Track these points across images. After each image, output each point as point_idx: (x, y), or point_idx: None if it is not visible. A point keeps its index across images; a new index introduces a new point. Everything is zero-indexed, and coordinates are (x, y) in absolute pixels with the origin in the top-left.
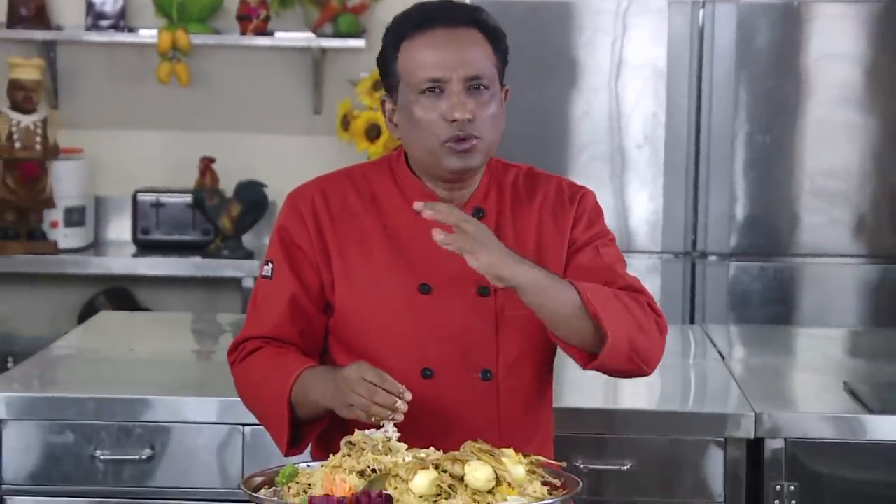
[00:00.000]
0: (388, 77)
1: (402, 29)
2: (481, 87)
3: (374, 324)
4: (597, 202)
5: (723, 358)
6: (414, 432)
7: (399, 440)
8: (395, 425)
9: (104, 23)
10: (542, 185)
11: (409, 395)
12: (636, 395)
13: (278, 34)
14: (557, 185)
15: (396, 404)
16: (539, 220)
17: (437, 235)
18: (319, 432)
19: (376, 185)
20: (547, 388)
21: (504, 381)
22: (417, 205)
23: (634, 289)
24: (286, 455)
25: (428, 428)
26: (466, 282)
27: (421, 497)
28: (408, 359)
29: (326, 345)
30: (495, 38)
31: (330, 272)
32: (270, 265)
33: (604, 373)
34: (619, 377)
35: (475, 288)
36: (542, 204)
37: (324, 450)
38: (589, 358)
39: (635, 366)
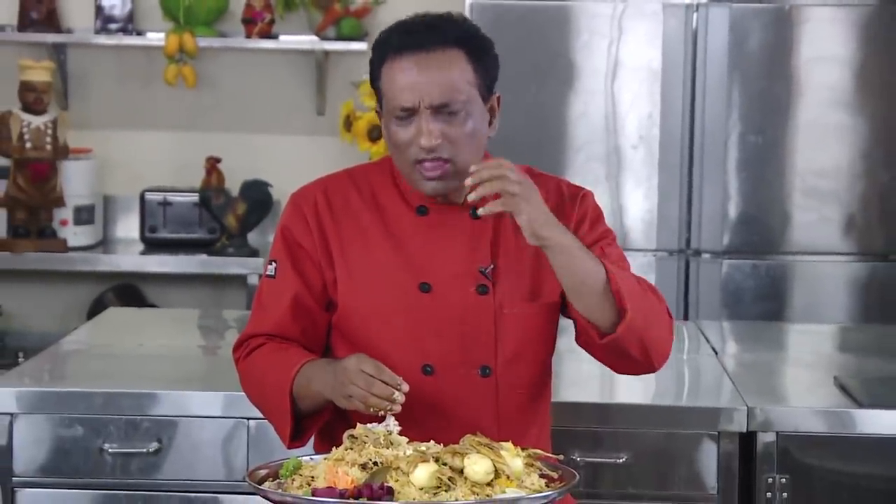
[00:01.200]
0: (375, 90)
1: (383, 51)
2: (452, 112)
3: (376, 321)
4: (596, 202)
5: (716, 353)
6: (414, 426)
7: (400, 434)
8: (396, 419)
9: (113, 26)
10: (541, 186)
11: (406, 387)
12: (631, 389)
13: (282, 37)
14: (556, 186)
15: (394, 395)
16: None
17: (473, 198)
18: (321, 425)
19: (377, 185)
20: (545, 384)
21: (503, 377)
22: (468, 181)
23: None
24: (289, 448)
25: (428, 422)
26: (466, 280)
27: (421, 489)
28: (408, 355)
29: (329, 341)
30: (476, 52)
31: (332, 270)
32: (274, 264)
33: (612, 363)
34: (626, 372)
35: (474, 286)
36: None
37: (327, 443)
38: (604, 334)
39: (644, 355)
